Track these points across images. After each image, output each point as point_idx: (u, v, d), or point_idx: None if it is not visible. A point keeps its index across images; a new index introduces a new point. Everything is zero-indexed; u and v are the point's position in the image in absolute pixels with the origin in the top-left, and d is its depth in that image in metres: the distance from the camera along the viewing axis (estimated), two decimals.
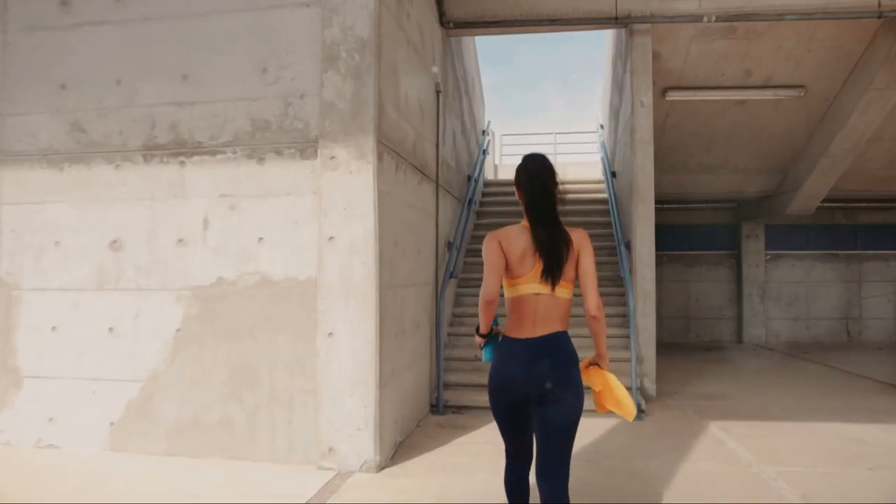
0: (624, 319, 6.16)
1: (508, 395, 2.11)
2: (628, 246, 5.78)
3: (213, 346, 3.81)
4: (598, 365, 2.26)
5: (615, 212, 6.36)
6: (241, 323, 3.79)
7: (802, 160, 7.91)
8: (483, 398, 5.39)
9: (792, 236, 10.41)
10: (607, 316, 6.29)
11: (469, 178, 7.49)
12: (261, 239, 3.81)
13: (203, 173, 3.91)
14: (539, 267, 2.08)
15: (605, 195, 8.82)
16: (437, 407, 5.09)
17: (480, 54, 9.31)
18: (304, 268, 3.74)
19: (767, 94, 6.90)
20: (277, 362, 3.74)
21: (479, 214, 8.56)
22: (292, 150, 3.81)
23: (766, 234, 10.34)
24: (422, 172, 4.87)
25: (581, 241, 2.11)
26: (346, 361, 3.58)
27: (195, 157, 3.92)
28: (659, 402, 5.45)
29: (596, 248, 6.98)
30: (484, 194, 9.22)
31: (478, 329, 2.26)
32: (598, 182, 9.43)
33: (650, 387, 5.50)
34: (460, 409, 5.14)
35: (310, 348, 3.68)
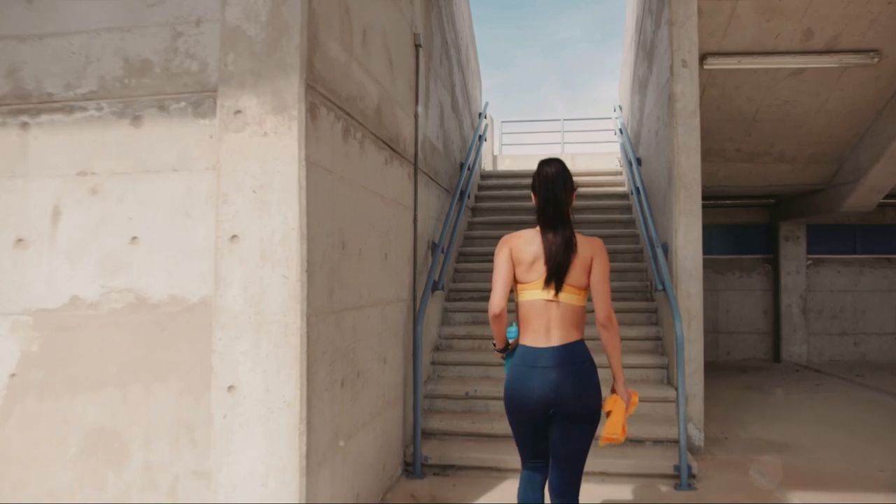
0: (656, 344, 4.91)
1: (526, 409, 2.11)
2: (665, 249, 4.53)
3: (64, 401, 2.55)
4: (614, 394, 2.25)
5: (645, 206, 5.11)
6: (104, 366, 2.54)
7: (866, 145, 6.67)
8: (479, 455, 4.11)
9: (837, 238, 9.16)
10: (635, 339, 5.06)
11: (462, 165, 6.25)
12: (135, 239, 2.56)
13: (54, 140, 2.65)
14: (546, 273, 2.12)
15: (623, 188, 7.59)
16: (414, 466, 3.83)
17: (481, 59, 8.11)
18: (197, 283, 2.49)
19: (831, 61, 5.66)
20: (156, 427, 2.49)
21: (474, 211, 7.31)
22: (182, 105, 2.56)
23: (807, 235, 9.09)
24: (391, 148, 3.62)
25: (595, 249, 2.13)
26: (255, 430, 2.33)
27: (43, 117, 2.67)
28: (709, 456, 4.20)
29: (616, 252, 5.20)
30: (481, 187, 7.97)
31: (494, 345, 2.31)
32: (615, 174, 8.20)
33: (696, 435, 4.24)
34: (446, 469, 3.88)
35: (203, 407, 2.43)
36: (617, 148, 8.98)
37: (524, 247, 2.13)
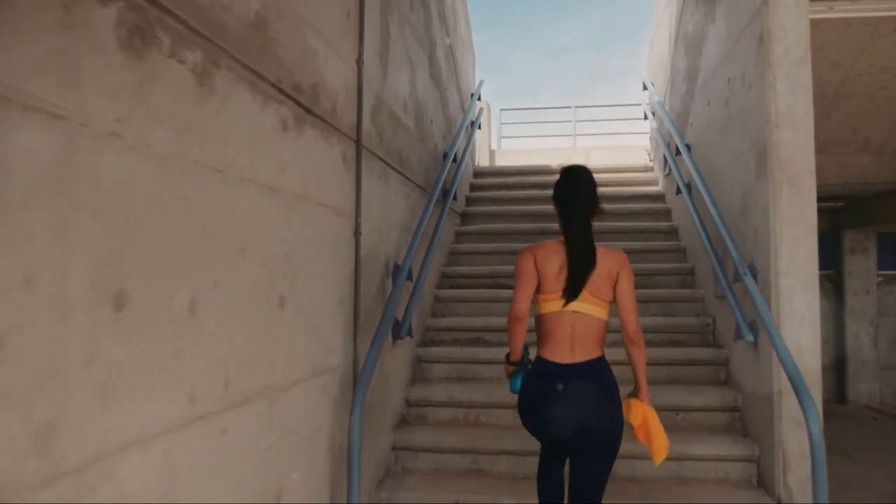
0: (732, 418, 3.34)
1: (541, 424, 2.07)
2: (754, 273, 2.96)
3: None
4: (637, 397, 2.15)
5: (712, 210, 3.54)
6: None
7: None
8: None
9: None
10: (699, 409, 3.49)
11: (445, 155, 4.70)
12: None
13: None
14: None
15: (656, 188, 6.07)
16: None
17: (482, 62, 6.63)
18: None
19: None
20: None
21: (464, 217, 5.76)
22: None
23: (877, 246, 7.55)
24: (297, 103, 2.06)
25: (620, 261, 2.10)
26: None
27: None
28: None
29: (657, 274, 4.54)
30: (473, 187, 6.44)
31: (507, 356, 2.22)
32: (643, 170, 6.66)
33: None
34: None
35: None
36: (645, 140, 7.47)
37: (550, 256, 2.10)
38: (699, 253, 4.36)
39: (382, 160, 3.08)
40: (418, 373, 3.84)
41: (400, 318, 3.27)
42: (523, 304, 2.08)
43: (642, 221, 5.42)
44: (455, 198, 4.89)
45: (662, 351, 3.75)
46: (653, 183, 6.22)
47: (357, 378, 2.57)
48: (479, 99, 6.54)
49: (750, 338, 2.91)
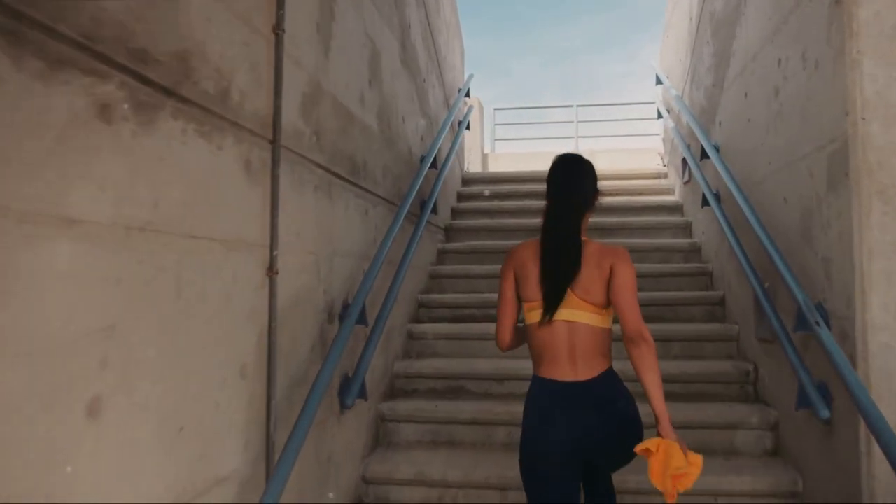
0: None
1: (546, 461, 1.74)
2: (826, 319, 2.19)
3: None
4: (659, 436, 1.63)
5: (761, 235, 2.76)
6: None
7: None
8: None
9: None
10: (742, 494, 2.59)
11: (423, 159, 3.93)
12: None
13: None
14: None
15: (672, 198, 5.32)
16: None
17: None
18: None
19: None
20: None
21: (448, 233, 4.99)
22: None
23: None
24: (142, 79, 1.29)
25: (615, 255, 1.77)
26: None
27: None
28: None
29: (677, 304, 3.77)
30: (461, 196, 5.67)
31: None
32: (655, 176, 5.89)
33: None
34: None
35: None
36: (656, 141, 6.72)
37: (530, 259, 1.83)
38: (730, 278, 3.60)
39: (323, 168, 2.31)
40: (382, 435, 3.06)
41: (350, 374, 2.51)
42: (505, 335, 1.90)
43: (656, 238, 4.66)
44: (436, 210, 4.13)
45: (691, 409, 2.97)
46: (668, 191, 5.45)
47: (269, 477, 1.79)
48: (468, 95, 5.79)
49: (825, 413, 2.14)
